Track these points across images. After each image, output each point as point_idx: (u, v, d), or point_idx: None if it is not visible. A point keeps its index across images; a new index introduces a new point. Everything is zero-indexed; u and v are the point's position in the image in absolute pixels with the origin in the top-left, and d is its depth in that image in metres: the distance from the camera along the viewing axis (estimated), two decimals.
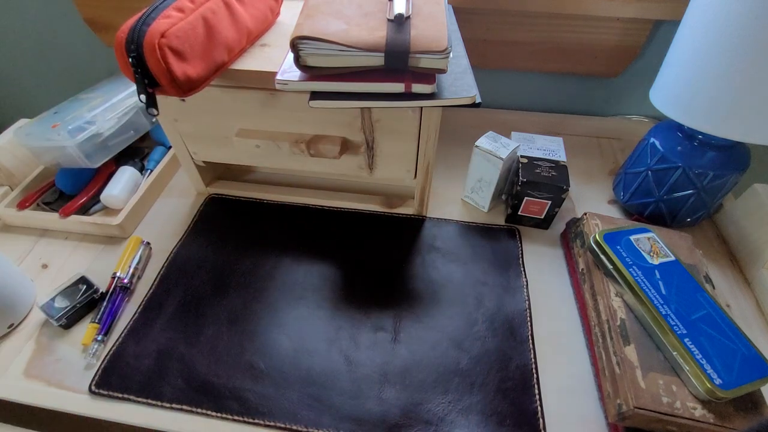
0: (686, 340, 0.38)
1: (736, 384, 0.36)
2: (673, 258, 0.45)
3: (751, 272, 0.53)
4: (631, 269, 0.44)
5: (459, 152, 0.64)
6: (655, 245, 0.46)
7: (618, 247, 0.46)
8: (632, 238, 0.47)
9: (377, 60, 0.38)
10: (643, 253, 0.46)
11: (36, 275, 0.55)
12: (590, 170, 0.69)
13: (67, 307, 0.48)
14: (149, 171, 0.65)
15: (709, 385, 0.36)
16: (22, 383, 0.45)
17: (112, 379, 0.44)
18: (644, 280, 0.43)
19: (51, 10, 0.81)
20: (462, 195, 0.64)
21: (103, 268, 0.54)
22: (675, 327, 0.39)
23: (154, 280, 0.53)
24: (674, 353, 0.38)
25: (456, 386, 0.44)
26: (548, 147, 0.58)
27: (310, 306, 0.50)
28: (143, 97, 0.41)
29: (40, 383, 0.45)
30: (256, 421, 0.41)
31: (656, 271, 0.44)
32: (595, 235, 0.47)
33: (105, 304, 0.49)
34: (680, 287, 0.42)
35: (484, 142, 0.56)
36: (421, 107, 0.48)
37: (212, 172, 0.66)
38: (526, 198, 0.55)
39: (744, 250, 0.55)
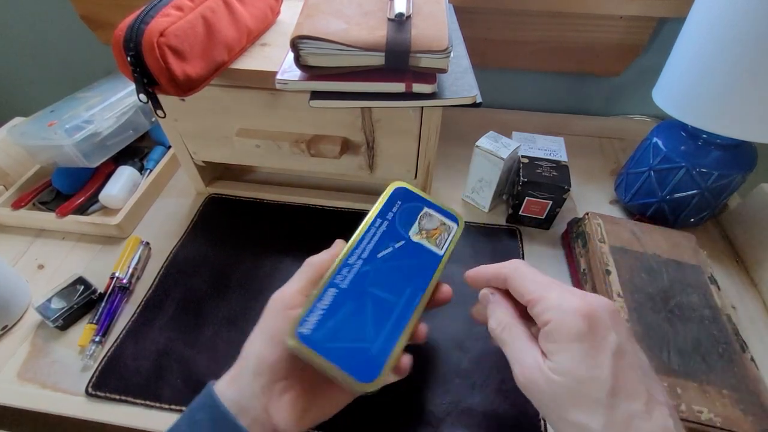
0: (331, 289, 0.30)
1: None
2: (441, 253, 0.34)
3: (758, 273, 0.52)
4: (375, 220, 0.34)
5: (459, 152, 0.64)
6: (443, 232, 0.34)
7: (399, 201, 0.36)
8: (427, 210, 0.36)
9: (377, 59, 0.38)
10: (417, 226, 0.34)
11: (31, 276, 0.54)
12: (592, 170, 0.68)
13: (63, 308, 0.47)
14: (148, 171, 0.65)
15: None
16: (15, 386, 0.44)
17: (109, 381, 0.44)
18: (376, 236, 0.33)
19: (45, 5, 0.79)
20: (462, 195, 0.64)
21: (101, 268, 0.54)
22: (336, 278, 0.30)
23: (154, 281, 0.53)
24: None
25: (456, 387, 0.43)
26: (549, 147, 0.58)
27: None
28: (143, 96, 0.41)
29: (35, 386, 0.44)
30: None
31: (408, 247, 0.32)
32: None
33: (103, 304, 0.49)
34: (406, 271, 0.32)
35: (484, 142, 0.56)
36: (422, 107, 0.47)
37: (212, 172, 0.65)
38: (527, 198, 0.55)
39: (751, 251, 0.54)
